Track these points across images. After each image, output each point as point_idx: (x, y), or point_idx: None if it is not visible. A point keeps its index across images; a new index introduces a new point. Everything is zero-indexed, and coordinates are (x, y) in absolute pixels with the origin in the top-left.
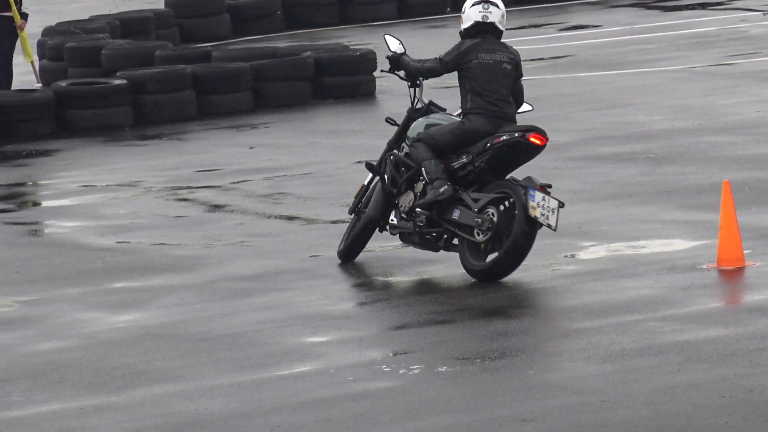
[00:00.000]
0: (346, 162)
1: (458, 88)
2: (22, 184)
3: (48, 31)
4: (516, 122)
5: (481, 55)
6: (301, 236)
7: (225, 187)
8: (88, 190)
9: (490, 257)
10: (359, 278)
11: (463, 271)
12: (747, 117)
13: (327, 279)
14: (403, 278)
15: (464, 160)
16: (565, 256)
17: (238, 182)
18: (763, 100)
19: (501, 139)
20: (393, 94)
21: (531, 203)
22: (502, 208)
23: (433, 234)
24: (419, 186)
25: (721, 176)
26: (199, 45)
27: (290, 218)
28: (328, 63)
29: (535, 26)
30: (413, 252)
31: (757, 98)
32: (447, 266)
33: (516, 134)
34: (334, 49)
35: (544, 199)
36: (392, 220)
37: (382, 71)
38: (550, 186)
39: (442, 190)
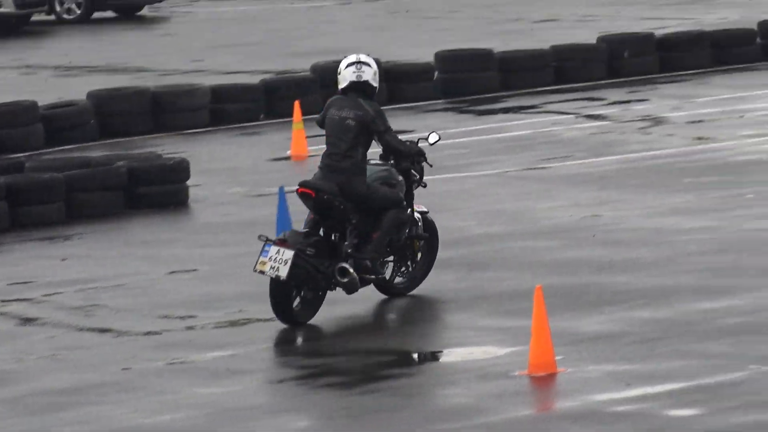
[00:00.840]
0: (160, 273)
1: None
2: None
3: None
4: (357, 176)
5: (331, 111)
6: (113, 348)
7: (37, 300)
8: None
9: None
10: (171, 391)
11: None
12: (560, 221)
13: (139, 392)
14: (210, 390)
15: None
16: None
17: (50, 294)
18: (576, 203)
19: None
20: (207, 203)
21: (262, 259)
22: None
23: None
24: None
25: (534, 281)
26: (13, 155)
27: (103, 330)
28: (142, 172)
29: None
30: (221, 362)
31: (570, 202)
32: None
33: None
34: (148, 159)
35: (278, 252)
36: None
37: None
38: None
39: None
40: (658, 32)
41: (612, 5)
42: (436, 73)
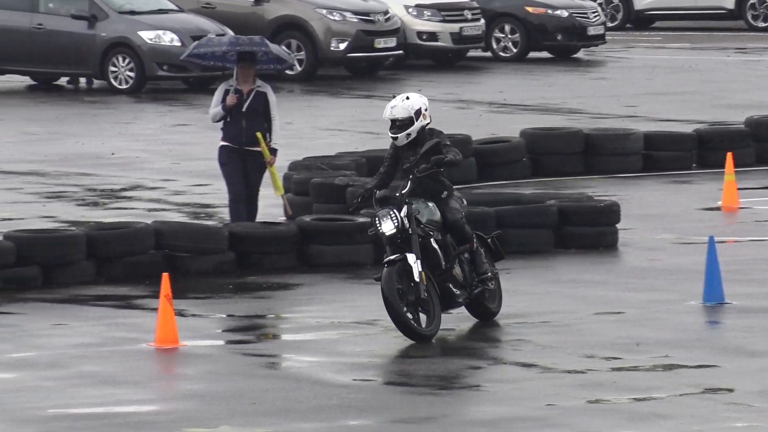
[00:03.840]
0: (586, 312)
1: None
2: (263, 317)
3: (294, 166)
4: None
5: None
6: (537, 384)
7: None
8: (328, 326)
9: None
10: (593, 430)
11: None
12: None
13: (560, 429)
14: None
15: None
16: None
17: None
18: None
19: None
20: (636, 247)
21: None
22: None
23: None
24: None
25: None
26: None
27: (527, 365)
28: (572, 212)
29: None
30: (644, 405)
31: None
32: None
33: None
34: (578, 199)
35: None
36: None
37: None
38: None
39: None
40: None
41: None
42: None
